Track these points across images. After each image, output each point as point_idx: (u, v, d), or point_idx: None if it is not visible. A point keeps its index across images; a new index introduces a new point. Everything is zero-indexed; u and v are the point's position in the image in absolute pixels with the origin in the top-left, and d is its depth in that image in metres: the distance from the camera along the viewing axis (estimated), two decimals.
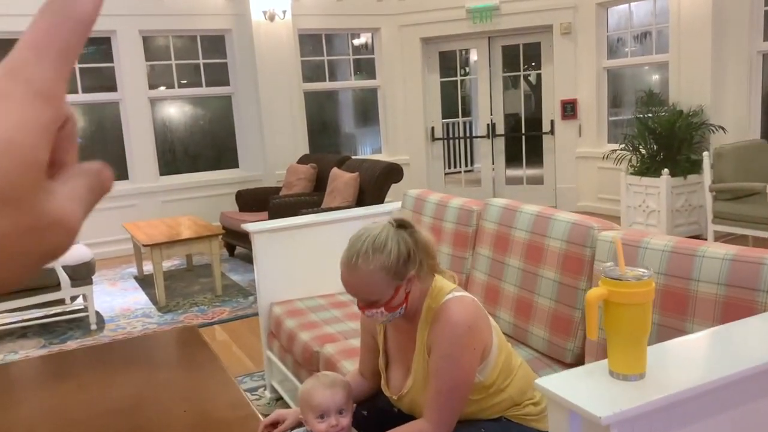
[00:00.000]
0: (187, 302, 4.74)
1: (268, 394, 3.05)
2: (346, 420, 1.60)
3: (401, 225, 1.57)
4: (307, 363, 2.47)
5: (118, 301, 4.88)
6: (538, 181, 7.47)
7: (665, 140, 5.55)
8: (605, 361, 1.24)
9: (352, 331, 2.54)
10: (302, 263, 3.00)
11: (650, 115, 5.78)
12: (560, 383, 1.18)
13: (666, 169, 5.34)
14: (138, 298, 4.93)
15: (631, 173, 5.69)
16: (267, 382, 3.04)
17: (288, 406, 2.84)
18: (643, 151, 5.70)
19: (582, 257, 2.07)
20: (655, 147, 5.64)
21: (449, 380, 1.49)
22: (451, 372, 1.49)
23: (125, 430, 1.76)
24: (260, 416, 1.83)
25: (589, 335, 1.15)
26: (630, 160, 5.78)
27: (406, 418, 1.68)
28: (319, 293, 3.01)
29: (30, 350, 3.93)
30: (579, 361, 2.09)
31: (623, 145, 5.84)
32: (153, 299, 4.84)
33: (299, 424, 1.68)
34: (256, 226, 2.95)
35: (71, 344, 4.00)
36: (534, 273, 2.24)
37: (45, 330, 4.29)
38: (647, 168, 5.58)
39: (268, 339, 2.95)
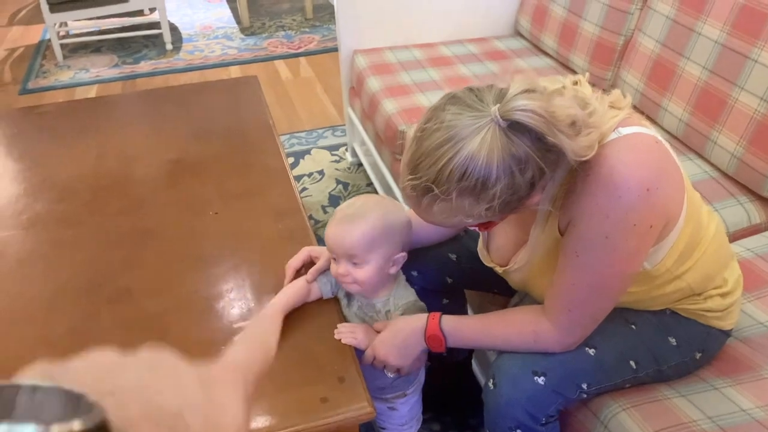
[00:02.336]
0: (273, 24, 4.12)
1: (349, 157, 2.56)
2: (360, 272, 1.06)
3: (519, 127, 0.76)
4: (390, 142, 1.89)
5: (200, 16, 4.32)
6: None
7: None
8: None
9: None
10: None
11: None
12: None
13: None
14: (221, 14, 4.35)
15: None
16: (348, 143, 2.54)
17: (368, 177, 2.37)
18: None
19: None
20: None
21: (595, 274, 0.88)
22: (602, 262, 0.87)
23: (133, 231, 1.33)
24: (312, 233, 1.34)
25: None
26: None
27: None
28: (415, 42, 2.30)
29: (101, 68, 3.57)
30: None
31: None
32: (237, 16, 4.24)
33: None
34: None
35: (144, 65, 3.59)
36: (742, 54, 1.43)
37: (120, 46, 3.87)
38: None
39: (350, 95, 2.37)
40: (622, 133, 0.84)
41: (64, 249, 1.29)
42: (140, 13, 4.15)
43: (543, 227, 0.95)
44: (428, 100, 1.91)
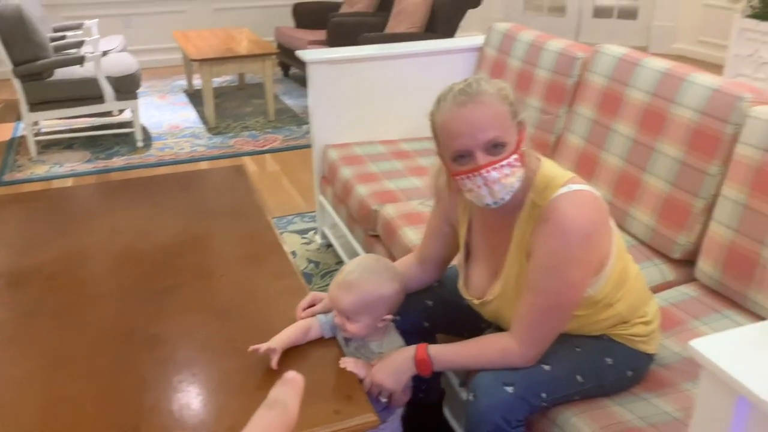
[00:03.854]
0: (238, 125, 4.46)
1: (318, 239, 2.83)
2: (353, 327, 1.32)
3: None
4: (364, 220, 2.18)
5: (167, 117, 4.63)
6: (630, 15, 6.58)
7: None
8: None
9: (415, 191, 2.21)
10: (363, 101, 2.61)
11: None
12: (726, 350, 0.84)
13: None
14: (187, 115, 4.67)
15: (749, 16, 4.85)
16: (318, 227, 2.81)
17: (339, 256, 2.63)
18: None
19: (719, 135, 1.63)
20: None
21: (551, 297, 1.17)
22: (554, 288, 1.16)
23: (154, 290, 1.54)
24: (307, 288, 1.58)
25: None
26: (749, 0, 4.91)
27: (479, 314, 1.40)
28: (379, 138, 2.65)
29: (75, 163, 3.78)
30: (688, 257, 1.74)
31: None
32: (203, 118, 4.57)
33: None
34: (313, 55, 2.53)
35: (117, 161, 3.82)
36: (648, 146, 1.82)
37: (92, 143, 4.11)
38: None
39: (321, 183, 2.67)
40: (571, 188, 1.16)
41: (97, 304, 1.49)
42: (109, 113, 4.42)
43: (513, 261, 1.23)
44: (395, 185, 2.23)
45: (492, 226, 1.31)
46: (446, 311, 1.48)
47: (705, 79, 1.71)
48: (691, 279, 1.74)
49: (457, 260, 1.45)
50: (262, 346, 1.26)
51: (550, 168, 1.23)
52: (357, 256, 1.40)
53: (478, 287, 1.36)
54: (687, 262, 1.76)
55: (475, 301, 1.36)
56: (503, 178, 1.16)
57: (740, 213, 1.56)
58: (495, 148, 1.16)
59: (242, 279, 1.61)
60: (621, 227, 1.92)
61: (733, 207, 1.58)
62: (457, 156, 1.19)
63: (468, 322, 1.45)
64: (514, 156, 1.17)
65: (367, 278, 1.32)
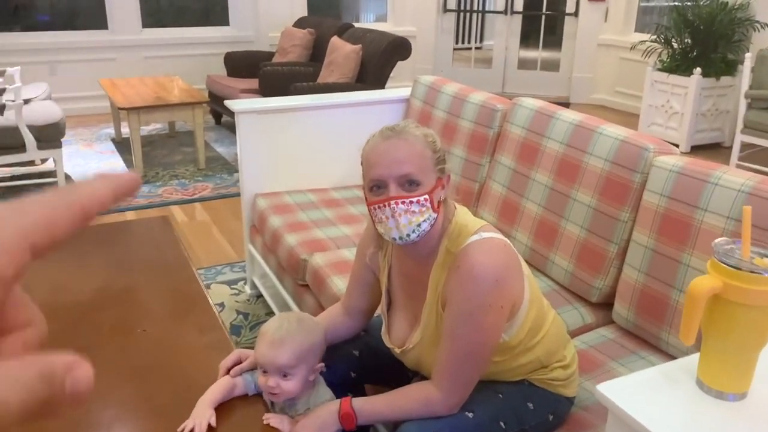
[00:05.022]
0: (167, 174, 4.39)
1: (248, 290, 2.79)
2: (289, 385, 1.30)
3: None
4: (293, 270, 2.17)
5: (93, 165, 4.51)
6: (552, 67, 6.92)
7: (702, 35, 5.01)
8: (689, 361, 0.93)
9: (345, 239, 2.23)
10: (293, 151, 2.63)
11: (689, 3, 5.19)
12: (629, 393, 0.87)
13: (698, 68, 4.85)
14: (114, 164, 4.56)
15: (659, 69, 5.19)
16: (248, 277, 2.77)
17: (269, 306, 2.59)
18: (676, 46, 5.18)
19: (629, 184, 1.72)
20: (689, 42, 5.11)
21: (467, 344, 1.19)
22: (470, 334, 1.18)
23: (68, 348, 1.48)
24: (233, 344, 1.55)
25: (683, 338, 0.83)
26: (659, 54, 5.26)
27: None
28: (309, 187, 2.66)
29: None
30: (606, 301, 1.81)
31: (654, 37, 5.30)
32: (130, 166, 4.47)
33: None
34: (242, 104, 2.53)
35: None
36: (565, 194, 1.90)
37: (11, 193, 3.95)
38: (677, 65, 5.09)
39: (251, 233, 2.64)
40: (483, 236, 1.20)
41: None
42: (31, 162, 4.27)
43: (430, 309, 1.25)
44: (324, 234, 2.24)
45: (410, 273, 1.33)
46: (373, 360, 1.49)
47: (614, 130, 1.82)
48: (609, 321, 1.81)
49: (380, 308, 1.46)
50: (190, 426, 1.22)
51: (463, 216, 1.28)
52: (273, 317, 1.40)
53: (399, 335, 1.37)
54: (605, 305, 1.83)
55: (397, 350, 1.37)
56: (411, 215, 1.19)
57: (650, 257, 1.65)
58: (409, 184, 1.20)
59: (164, 334, 1.57)
60: (542, 272, 1.99)
61: (643, 251, 1.66)
62: (373, 185, 1.23)
63: (395, 371, 1.45)
64: (425, 196, 1.20)
65: (296, 330, 1.32)
